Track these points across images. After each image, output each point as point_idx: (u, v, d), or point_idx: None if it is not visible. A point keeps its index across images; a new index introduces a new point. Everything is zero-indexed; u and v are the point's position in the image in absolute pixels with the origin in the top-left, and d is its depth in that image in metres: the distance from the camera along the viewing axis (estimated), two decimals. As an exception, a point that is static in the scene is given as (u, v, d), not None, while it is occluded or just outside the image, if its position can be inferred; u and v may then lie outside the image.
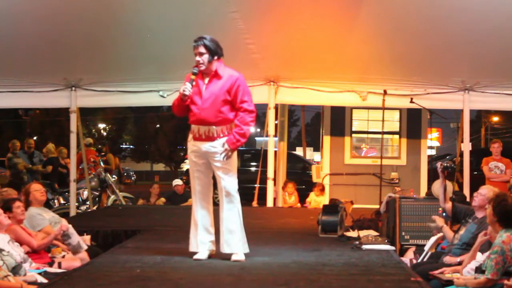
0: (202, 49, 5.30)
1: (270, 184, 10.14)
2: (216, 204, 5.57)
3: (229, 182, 5.37)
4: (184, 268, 5.07)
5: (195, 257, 5.39)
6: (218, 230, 5.48)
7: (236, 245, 5.35)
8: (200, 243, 5.43)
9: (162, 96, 10.01)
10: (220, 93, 5.30)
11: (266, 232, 7.48)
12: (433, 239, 6.07)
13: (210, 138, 5.33)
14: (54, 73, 9.56)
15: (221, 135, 5.33)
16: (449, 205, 6.18)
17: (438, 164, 6.35)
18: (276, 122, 11.39)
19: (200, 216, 5.45)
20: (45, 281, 4.73)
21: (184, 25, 8.22)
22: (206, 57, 5.30)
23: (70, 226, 5.86)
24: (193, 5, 7.93)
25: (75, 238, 5.84)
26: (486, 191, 5.69)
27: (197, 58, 5.32)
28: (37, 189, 6.42)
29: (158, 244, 6.35)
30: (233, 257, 5.34)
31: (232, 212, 5.36)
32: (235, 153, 5.43)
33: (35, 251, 5.52)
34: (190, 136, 5.46)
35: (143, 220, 8.80)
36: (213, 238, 5.48)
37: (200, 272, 4.93)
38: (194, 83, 5.32)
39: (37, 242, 5.59)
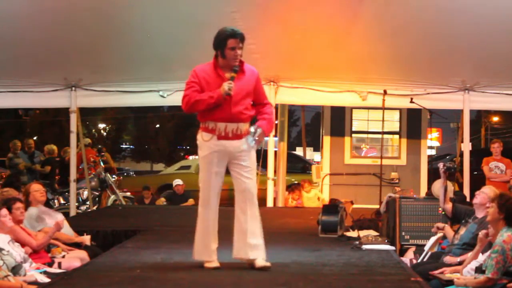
0: (242, 43, 5.01)
1: (270, 184, 10.14)
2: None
3: (253, 184, 5.11)
4: (184, 268, 5.06)
5: (212, 266, 5.04)
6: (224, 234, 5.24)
7: (262, 249, 5.10)
8: (212, 252, 5.10)
9: (162, 96, 9.99)
10: (249, 89, 5.08)
11: (266, 232, 7.42)
12: (433, 239, 6.07)
13: (237, 136, 5.04)
14: (54, 73, 9.56)
15: (246, 133, 5.09)
16: (449, 205, 6.17)
17: (441, 165, 6.26)
18: (276, 122, 11.39)
19: (213, 223, 5.11)
20: (46, 280, 4.74)
21: (184, 25, 8.23)
22: (241, 52, 5.03)
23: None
24: (193, 5, 7.94)
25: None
26: (489, 190, 5.71)
27: (239, 52, 4.97)
28: (36, 190, 6.42)
29: (158, 244, 6.35)
30: (260, 263, 5.02)
31: (256, 215, 5.11)
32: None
33: (35, 251, 5.52)
34: (209, 136, 5.04)
35: (143, 220, 8.80)
36: (217, 245, 5.19)
37: (200, 272, 4.93)
38: (233, 79, 4.99)
39: (36, 242, 5.58)
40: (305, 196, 11.26)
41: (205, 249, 5.09)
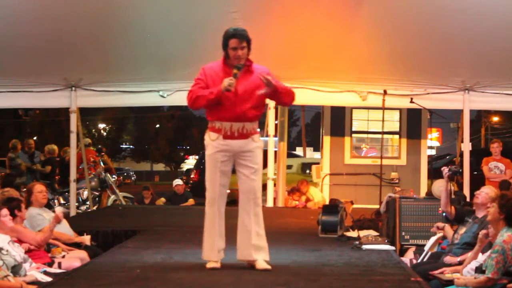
0: (245, 43, 4.97)
1: (270, 184, 10.14)
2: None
3: (258, 183, 5.10)
4: (184, 268, 5.07)
5: (210, 266, 5.03)
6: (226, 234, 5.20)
7: (266, 251, 5.10)
8: (217, 251, 5.10)
9: (162, 96, 10.00)
10: (256, 89, 5.04)
11: (266, 232, 7.43)
12: (433, 239, 6.07)
13: (243, 135, 5.03)
14: (54, 73, 9.56)
15: (253, 133, 5.09)
16: (452, 209, 6.15)
17: (445, 169, 6.18)
18: (276, 122, 11.39)
19: (219, 222, 5.10)
20: (48, 278, 4.74)
21: (184, 25, 8.23)
22: (245, 52, 5.01)
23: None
24: (193, 5, 7.94)
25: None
26: (489, 190, 5.72)
27: (239, 52, 4.96)
28: (39, 191, 6.40)
29: (158, 244, 6.35)
30: (261, 265, 5.01)
31: (260, 216, 5.12)
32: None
33: (38, 249, 5.52)
34: (216, 135, 5.05)
35: (143, 220, 8.80)
36: (224, 246, 5.20)
37: (200, 272, 4.92)
38: (237, 77, 4.92)
39: (39, 238, 5.58)
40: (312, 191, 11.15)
41: (212, 248, 5.08)
